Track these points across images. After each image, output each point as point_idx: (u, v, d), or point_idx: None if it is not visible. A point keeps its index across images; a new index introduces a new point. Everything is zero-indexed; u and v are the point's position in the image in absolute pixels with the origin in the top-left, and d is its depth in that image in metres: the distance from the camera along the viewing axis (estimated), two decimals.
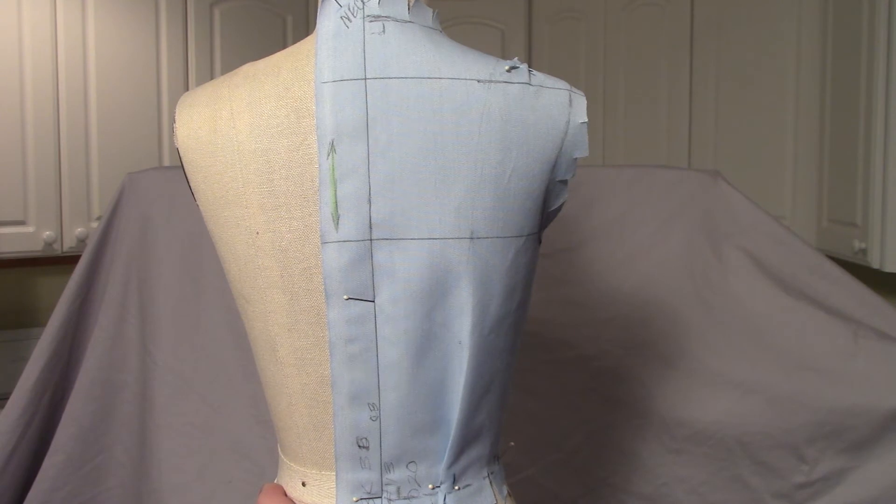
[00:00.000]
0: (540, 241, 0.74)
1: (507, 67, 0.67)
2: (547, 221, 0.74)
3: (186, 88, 2.50)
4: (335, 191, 0.66)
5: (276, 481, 0.81)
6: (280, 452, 0.79)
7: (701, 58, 2.49)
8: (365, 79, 0.66)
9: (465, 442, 0.72)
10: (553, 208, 0.73)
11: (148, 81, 2.44)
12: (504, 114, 0.66)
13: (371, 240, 0.67)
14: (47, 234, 2.28)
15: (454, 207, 0.66)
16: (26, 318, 2.62)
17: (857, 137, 2.04)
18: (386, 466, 0.71)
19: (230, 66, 2.37)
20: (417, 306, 0.67)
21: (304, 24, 2.73)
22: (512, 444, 0.85)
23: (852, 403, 1.41)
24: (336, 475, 0.71)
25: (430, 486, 0.72)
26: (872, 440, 1.41)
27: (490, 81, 0.66)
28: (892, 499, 1.40)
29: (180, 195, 1.24)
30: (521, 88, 0.67)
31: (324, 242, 0.67)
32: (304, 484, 0.75)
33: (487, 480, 0.75)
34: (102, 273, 1.50)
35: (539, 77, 0.69)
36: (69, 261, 1.88)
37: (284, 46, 0.75)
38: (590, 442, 1.52)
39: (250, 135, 0.69)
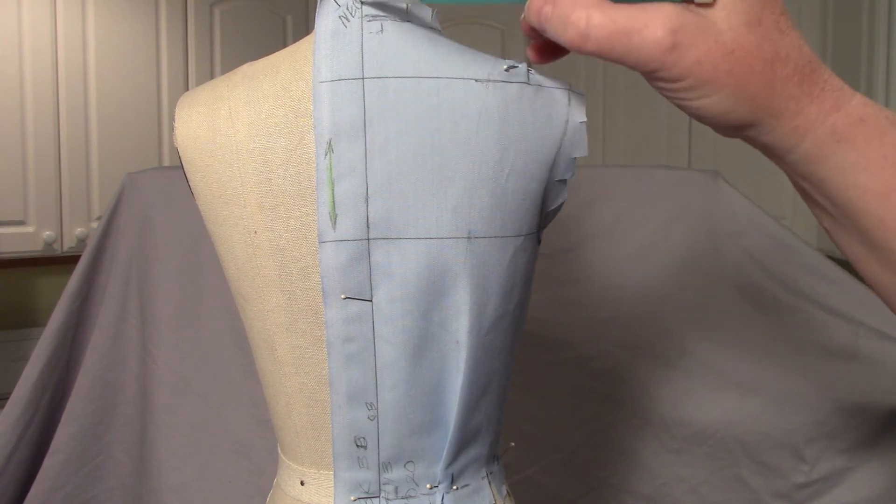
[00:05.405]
0: (539, 241, 0.74)
1: (505, 67, 0.67)
2: (546, 221, 0.74)
3: (186, 88, 2.50)
4: (332, 190, 0.66)
5: (275, 480, 0.81)
6: (279, 451, 0.80)
7: None
8: (363, 78, 0.65)
9: (463, 442, 0.72)
10: (552, 208, 0.73)
11: (148, 81, 2.44)
12: (502, 113, 0.66)
13: (368, 239, 0.66)
14: (47, 234, 2.28)
15: (451, 207, 0.66)
16: (26, 318, 2.63)
17: None
18: (384, 466, 0.71)
19: (230, 66, 2.37)
20: (414, 306, 0.67)
21: (304, 24, 2.73)
22: (513, 444, 0.85)
23: (852, 403, 1.41)
24: (334, 474, 0.71)
25: (428, 485, 0.72)
26: (872, 440, 1.41)
27: (488, 81, 0.66)
28: (892, 499, 1.40)
29: (180, 195, 1.24)
30: (519, 88, 0.67)
31: (321, 241, 0.67)
32: (302, 483, 0.75)
33: (486, 480, 0.75)
34: (102, 273, 1.50)
35: (538, 76, 0.69)
36: (69, 261, 1.88)
37: (284, 46, 0.75)
38: (590, 442, 1.52)
39: (248, 134, 0.69)
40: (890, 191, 0.50)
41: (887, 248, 0.51)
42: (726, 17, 0.49)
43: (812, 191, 0.54)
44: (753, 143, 0.54)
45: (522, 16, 0.61)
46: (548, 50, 0.62)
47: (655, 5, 0.50)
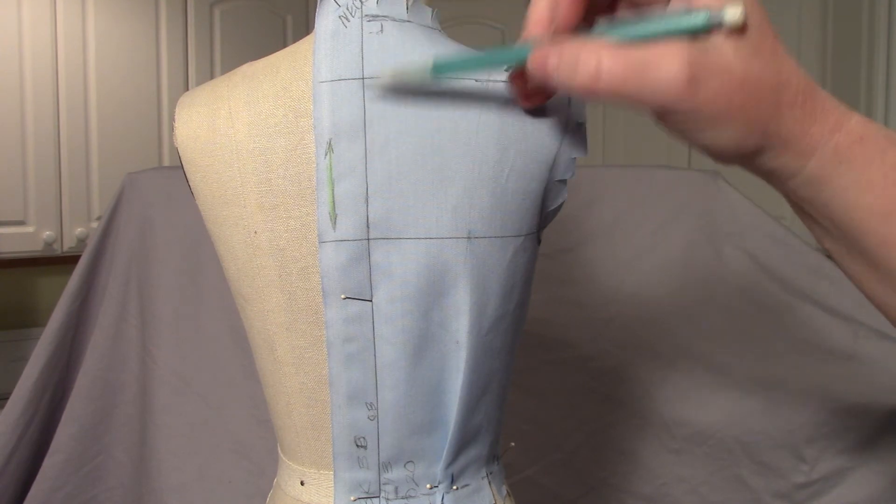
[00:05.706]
0: (539, 241, 0.74)
1: (505, 67, 0.67)
2: (546, 221, 0.74)
3: (186, 88, 2.50)
4: (332, 190, 0.66)
5: (275, 480, 0.81)
6: (279, 451, 0.80)
7: None
8: (363, 78, 0.65)
9: (463, 442, 0.72)
10: (552, 208, 0.73)
11: (148, 81, 2.44)
12: (502, 113, 0.66)
13: (368, 239, 0.67)
14: (47, 234, 2.28)
15: (451, 207, 0.66)
16: (26, 318, 2.63)
17: None
18: (384, 466, 0.71)
19: (230, 66, 2.37)
20: (415, 306, 0.67)
21: (304, 24, 2.73)
22: (513, 444, 0.85)
23: (852, 403, 1.41)
24: (334, 474, 0.71)
25: (428, 485, 0.72)
26: (872, 440, 1.41)
27: (488, 81, 0.66)
28: (892, 499, 1.40)
29: (180, 195, 1.24)
30: None
31: (321, 241, 0.67)
32: (302, 483, 0.75)
33: (486, 480, 0.75)
34: (102, 273, 1.50)
35: None
36: (69, 261, 1.89)
37: (284, 46, 0.75)
38: (590, 442, 1.52)
39: (248, 134, 0.69)
40: (892, 209, 0.49)
41: (889, 267, 0.51)
42: (733, 46, 0.49)
43: (814, 212, 0.54)
44: (758, 169, 0.54)
45: (506, 69, 0.62)
46: (535, 94, 0.63)
47: (663, 42, 0.49)
